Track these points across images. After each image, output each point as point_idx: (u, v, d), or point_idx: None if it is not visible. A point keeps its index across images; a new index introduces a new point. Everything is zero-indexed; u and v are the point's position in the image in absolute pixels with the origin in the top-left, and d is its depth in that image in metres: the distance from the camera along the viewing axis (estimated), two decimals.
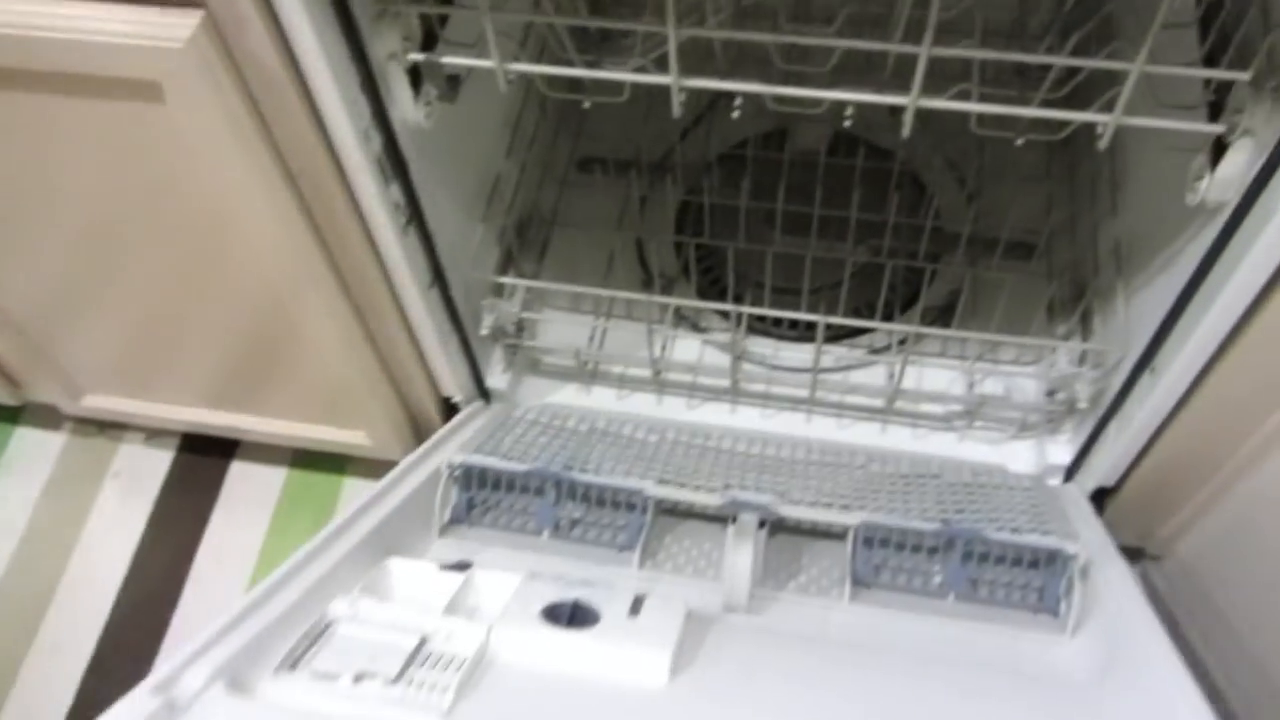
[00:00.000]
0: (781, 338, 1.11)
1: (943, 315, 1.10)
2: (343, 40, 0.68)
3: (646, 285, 1.12)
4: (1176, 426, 0.82)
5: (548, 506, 0.83)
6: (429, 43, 0.74)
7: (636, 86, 0.70)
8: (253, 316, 0.92)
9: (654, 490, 0.80)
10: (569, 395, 1.08)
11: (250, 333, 0.95)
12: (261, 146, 0.71)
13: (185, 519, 1.23)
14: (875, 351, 1.08)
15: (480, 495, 0.84)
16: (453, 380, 0.99)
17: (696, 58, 0.71)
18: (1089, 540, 0.81)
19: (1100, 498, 0.96)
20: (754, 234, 1.13)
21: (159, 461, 1.27)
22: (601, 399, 1.08)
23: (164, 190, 0.78)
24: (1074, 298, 1.01)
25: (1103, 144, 0.64)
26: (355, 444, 1.09)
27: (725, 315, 1.09)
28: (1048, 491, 0.90)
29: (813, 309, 1.10)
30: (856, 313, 1.12)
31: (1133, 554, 1.04)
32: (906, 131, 0.65)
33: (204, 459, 1.27)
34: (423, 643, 0.63)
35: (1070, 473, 0.98)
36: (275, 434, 1.12)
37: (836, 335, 1.10)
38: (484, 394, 1.07)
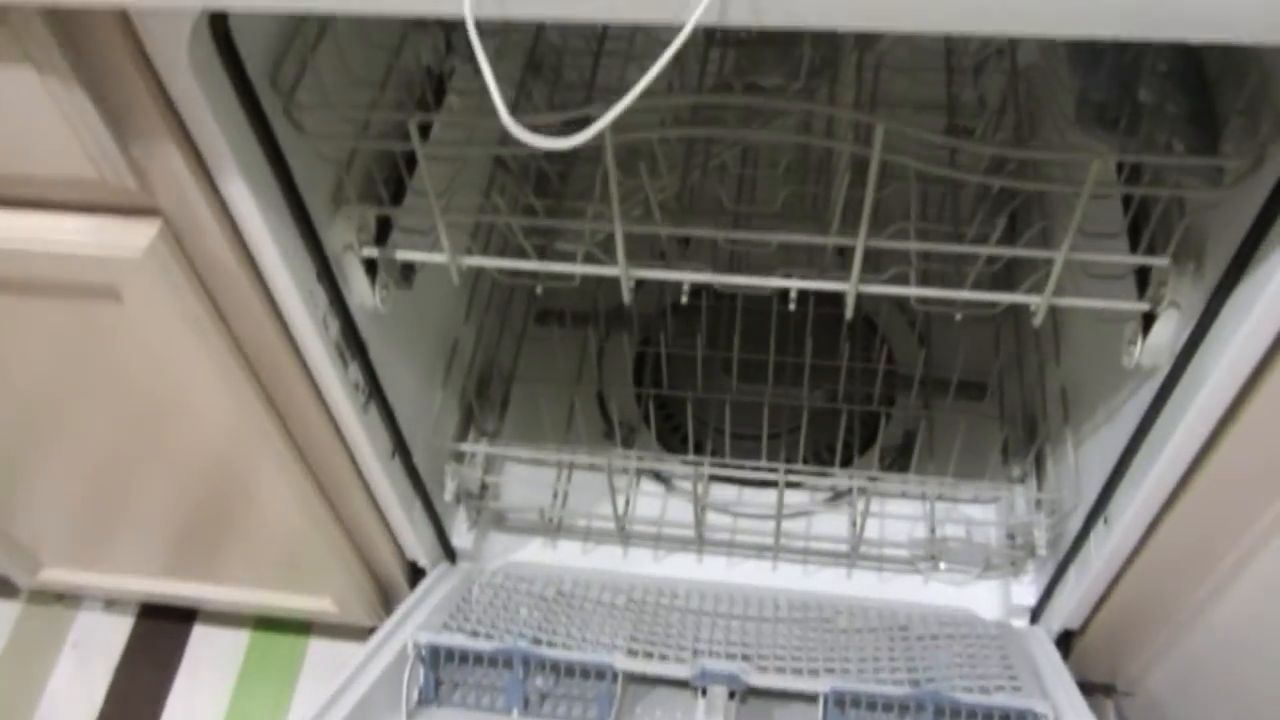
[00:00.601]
0: (744, 483, 1.12)
1: (901, 455, 1.11)
2: (298, 235, 0.69)
3: (608, 435, 1.13)
4: (1134, 573, 0.83)
5: (516, 682, 0.82)
6: (383, 231, 0.76)
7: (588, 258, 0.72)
8: (211, 491, 0.92)
9: (623, 663, 0.80)
10: (535, 550, 1.08)
11: (209, 506, 0.94)
12: (219, 339, 0.72)
13: (146, 688, 1.20)
14: (837, 496, 1.09)
15: (448, 672, 0.83)
16: (418, 544, 0.99)
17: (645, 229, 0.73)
18: (1057, 693, 0.81)
19: (1067, 637, 0.96)
20: (711, 380, 1.15)
21: (118, 629, 1.24)
22: (567, 553, 1.08)
23: (120, 377, 0.78)
24: (1027, 438, 1.03)
25: (1037, 321, 0.66)
26: (321, 610, 1.08)
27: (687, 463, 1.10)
28: (1015, 638, 0.90)
29: (773, 454, 1.12)
30: (816, 455, 1.13)
31: (1105, 689, 1.05)
32: (849, 313, 0.67)
33: (164, 624, 1.24)
34: None
35: (1036, 614, 0.98)
36: (237, 602, 1.10)
37: (800, 478, 1.11)
38: (449, 553, 1.06)
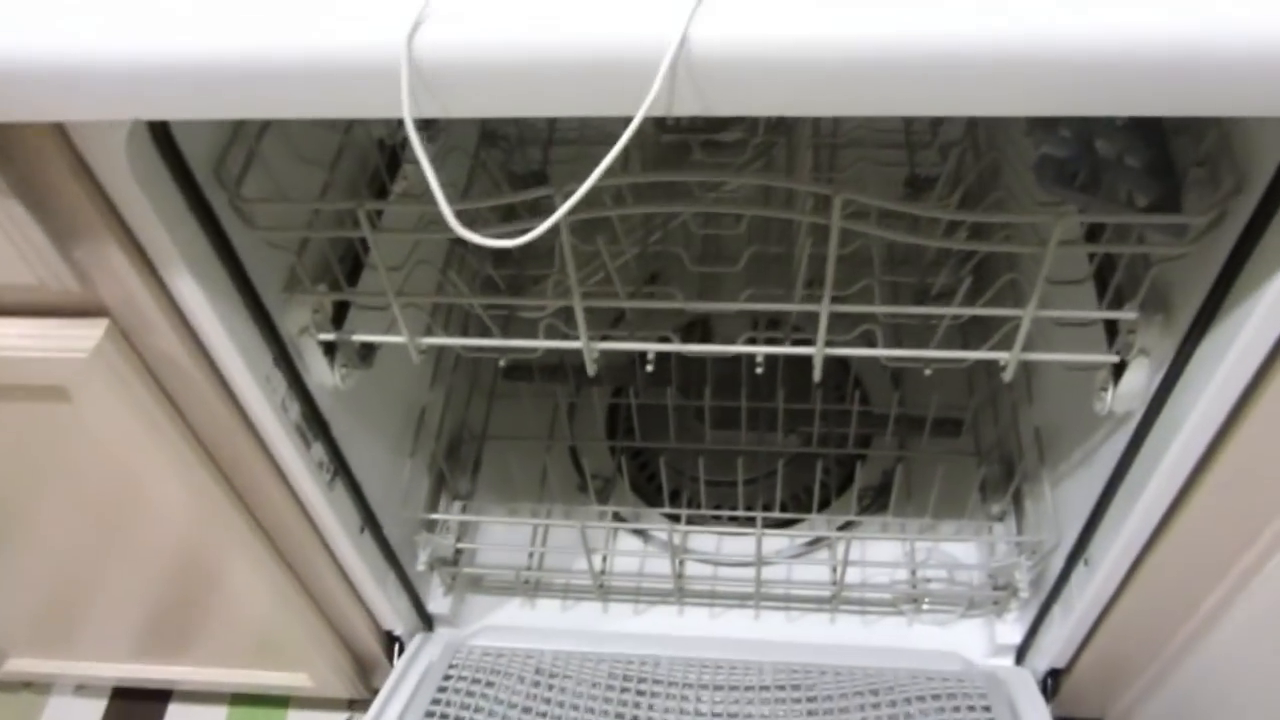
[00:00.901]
0: (722, 531, 1.10)
1: (880, 494, 1.10)
2: (252, 323, 0.68)
3: (582, 489, 1.12)
4: (1117, 613, 0.82)
5: None
6: (340, 310, 0.74)
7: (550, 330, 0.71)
8: (179, 576, 0.90)
9: None
10: (513, 611, 1.06)
11: (177, 590, 0.92)
12: (174, 431, 0.70)
13: None
14: (817, 540, 1.08)
15: None
16: (393, 615, 0.97)
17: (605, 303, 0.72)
18: None
19: (1055, 674, 0.95)
20: (685, 429, 1.13)
21: (91, 712, 1.21)
22: (546, 612, 1.06)
23: (76, 474, 0.76)
24: (1004, 476, 1.02)
25: (1007, 376, 0.65)
26: (297, 686, 1.05)
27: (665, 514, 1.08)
28: (1000, 689, 0.89)
29: (750, 500, 1.11)
30: (795, 498, 1.12)
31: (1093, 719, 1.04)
32: (817, 376, 0.66)
33: (138, 704, 1.21)
34: None
35: (1021, 652, 0.97)
36: (211, 682, 1.07)
37: (777, 524, 1.10)
38: (426, 620, 1.04)
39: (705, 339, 1.21)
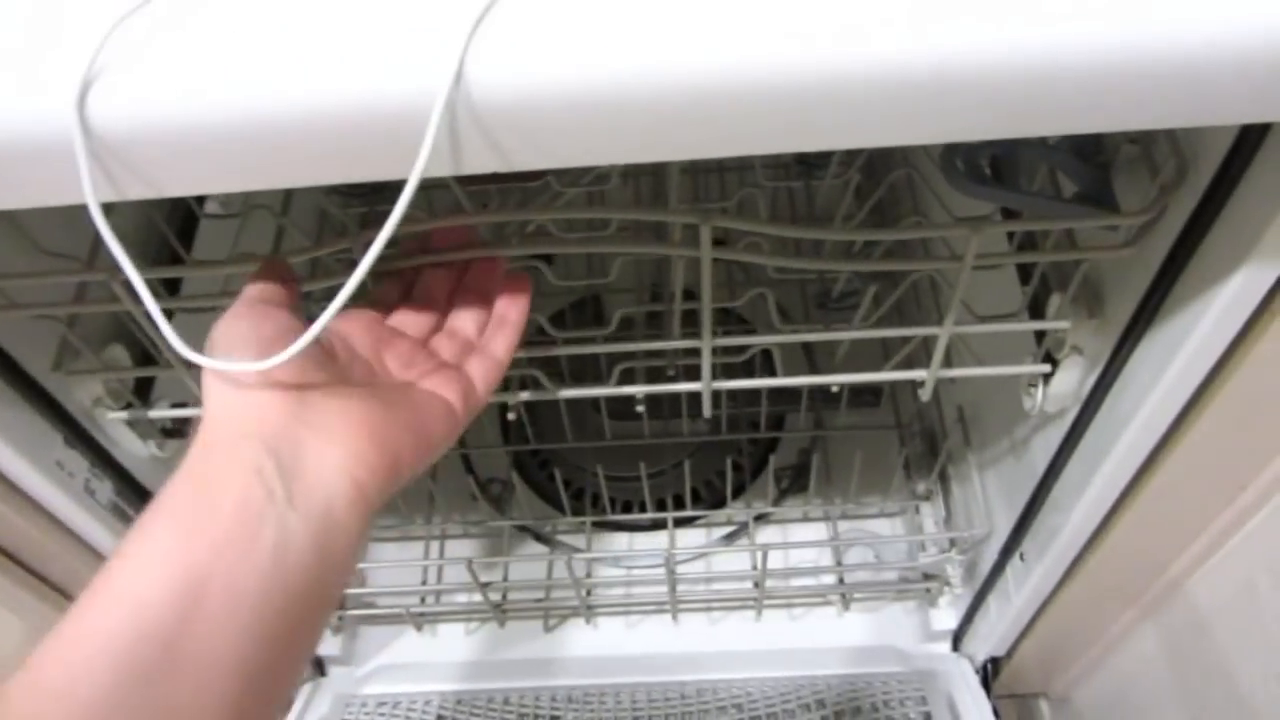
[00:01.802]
0: (634, 527, 1.02)
1: (798, 475, 1.02)
2: (26, 407, 0.56)
3: (476, 498, 1.02)
4: (1057, 605, 0.76)
5: None
6: (144, 374, 0.62)
7: None
8: None
9: None
10: (411, 643, 0.96)
11: None
12: None
13: None
14: (735, 532, 0.99)
15: None
16: None
17: None
18: None
19: (995, 660, 0.89)
20: (583, 423, 1.03)
21: None
22: (447, 639, 0.96)
23: None
24: (928, 452, 0.95)
25: (925, 395, 0.56)
26: None
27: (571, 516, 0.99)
28: (940, 688, 0.83)
29: (659, 493, 1.01)
30: (708, 485, 1.03)
31: (1038, 695, 0.99)
32: (707, 412, 0.56)
33: None
34: None
35: (958, 638, 0.91)
36: None
37: (691, 518, 1.01)
38: (317, 663, 0.94)
39: (597, 314, 1.10)
